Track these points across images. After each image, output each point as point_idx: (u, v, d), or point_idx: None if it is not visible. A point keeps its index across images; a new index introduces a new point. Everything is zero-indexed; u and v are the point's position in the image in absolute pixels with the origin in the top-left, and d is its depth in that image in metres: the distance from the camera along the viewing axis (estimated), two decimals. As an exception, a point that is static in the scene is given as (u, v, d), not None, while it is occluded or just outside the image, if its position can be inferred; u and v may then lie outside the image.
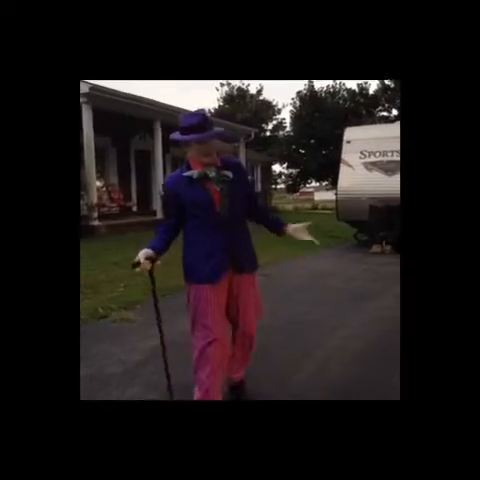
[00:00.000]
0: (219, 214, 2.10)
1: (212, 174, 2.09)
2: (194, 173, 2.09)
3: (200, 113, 2.08)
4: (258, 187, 20.89)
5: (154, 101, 12.58)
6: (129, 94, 11.58)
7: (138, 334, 3.80)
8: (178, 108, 13.73)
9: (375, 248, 8.81)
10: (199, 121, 2.03)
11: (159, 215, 13.06)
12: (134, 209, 13.65)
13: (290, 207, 26.84)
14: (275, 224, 2.32)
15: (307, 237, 2.24)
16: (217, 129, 2.11)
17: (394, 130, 9.52)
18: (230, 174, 2.11)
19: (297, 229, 2.25)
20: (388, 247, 8.67)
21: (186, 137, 2.04)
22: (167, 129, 13.14)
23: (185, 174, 2.12)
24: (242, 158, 16.99)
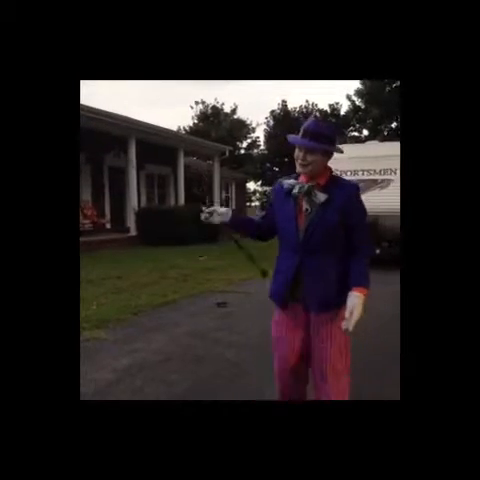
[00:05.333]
0: (295, 235, 1.97)
1: (295, 190, 1.96)
2: (285, 184, 2.01)
3: (327, 125, 1.91)
4: (233, 204, 21.00)
5: (128, 118, 12.57)
6: (103, 111, 11.54)
7: (109, 353, 3.72)
8: (152, 125, 13.76)
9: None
10: (314, 128, 1.86)
11: (133, 232, 12.93)
12: (108, 226, 13.48)
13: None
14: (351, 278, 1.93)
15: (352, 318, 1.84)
16: (329, 146, 1.90)
17: (365, 150, 9.80)
18: (322, 197, 1.89)
19: (358, 306, 1.84)
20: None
21: (291, 137, 1.93)
22: (141, 146, 13.17)
23: (287, 180, 2.03)
24: (216, 175, 17.11)
